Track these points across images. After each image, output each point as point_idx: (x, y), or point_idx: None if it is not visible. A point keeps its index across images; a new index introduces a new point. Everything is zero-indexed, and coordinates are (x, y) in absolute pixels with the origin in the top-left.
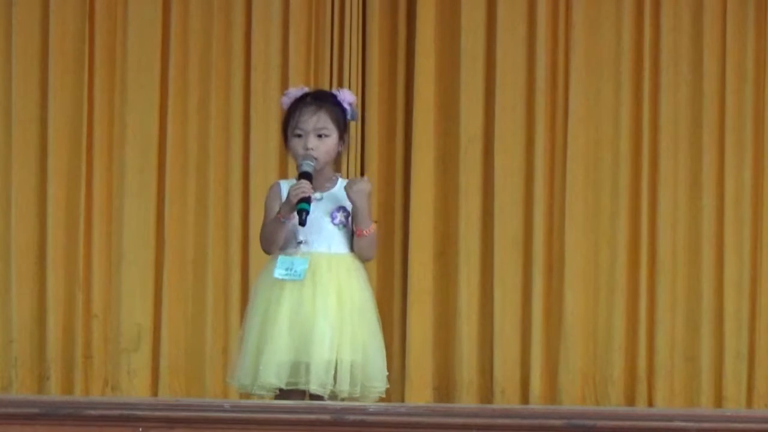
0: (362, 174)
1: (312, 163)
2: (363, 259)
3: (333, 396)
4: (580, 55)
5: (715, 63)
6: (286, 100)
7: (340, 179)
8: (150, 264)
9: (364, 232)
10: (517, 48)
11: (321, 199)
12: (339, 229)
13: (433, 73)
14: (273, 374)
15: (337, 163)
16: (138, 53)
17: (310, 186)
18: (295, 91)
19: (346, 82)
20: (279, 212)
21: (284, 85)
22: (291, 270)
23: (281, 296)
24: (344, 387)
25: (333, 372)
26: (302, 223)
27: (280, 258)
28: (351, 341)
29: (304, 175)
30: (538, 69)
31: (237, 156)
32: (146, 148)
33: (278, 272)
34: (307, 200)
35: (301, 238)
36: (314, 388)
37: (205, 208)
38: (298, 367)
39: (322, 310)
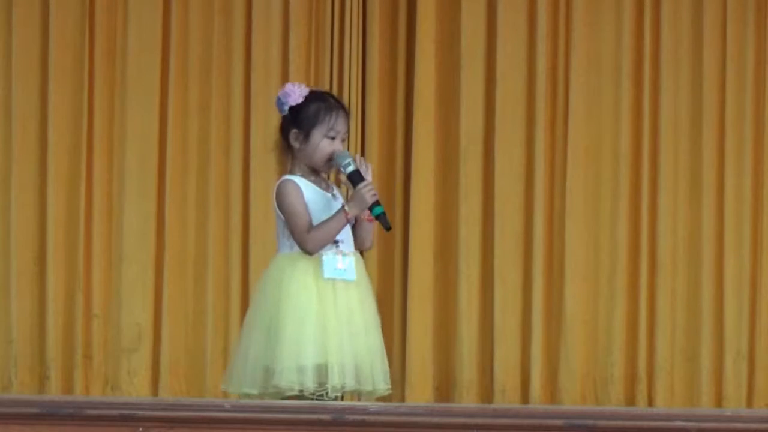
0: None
1: (352, 159)
2: (366, 249)
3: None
4: (580, 55)
5: (715, 63)
6: (294, 99)
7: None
8: (150, 264)
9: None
10: (517, 48)
11: (337, 198)
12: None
13: (433, 73)
14: (337, 375)
15: None
16: (138, 53)
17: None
18: (298, 88)
19: (346, 82)
20: (346, 212)
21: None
22: (341, 269)
23: (336, 297)
24: (379, 386)
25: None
26: (389, 228)
27: (327, 258)
28: (372, 342)
29: (357, 174)
30: (538, 69)
31: (237, 156)
32: (146, 148)
33: (329, 272)
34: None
35: (337, 237)
36: (369, 390)
37: (205, 208)
38: (362, 371)
39: (368, 313)
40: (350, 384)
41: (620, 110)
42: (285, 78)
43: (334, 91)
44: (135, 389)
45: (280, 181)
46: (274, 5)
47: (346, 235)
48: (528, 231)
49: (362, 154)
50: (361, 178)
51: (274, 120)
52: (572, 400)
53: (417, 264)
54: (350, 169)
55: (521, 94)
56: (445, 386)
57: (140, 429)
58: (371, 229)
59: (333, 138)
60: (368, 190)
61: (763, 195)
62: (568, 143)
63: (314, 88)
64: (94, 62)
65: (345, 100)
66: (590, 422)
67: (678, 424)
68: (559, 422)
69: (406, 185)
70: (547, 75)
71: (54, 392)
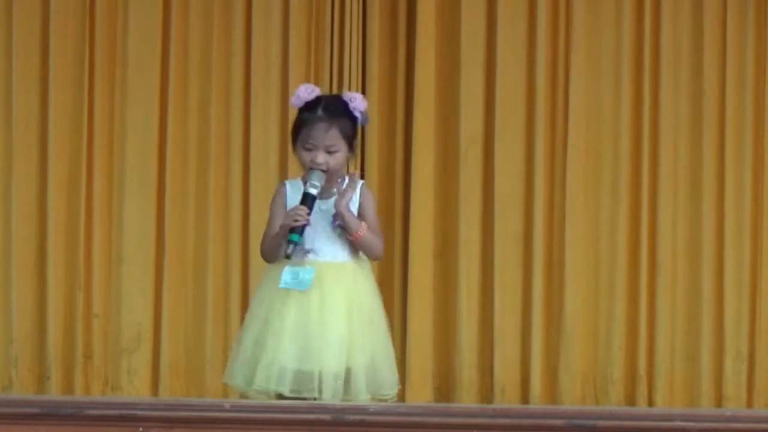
0: (362, 175)
1: (318, 184)
2: (371, 259)
3: None
4: (580, 55)
5: (715, 63)
6: (297, 102)
7: (346, 179)
8: (150, 264)
9: (356, 235)
10: (517, 48)
11: (326, 209)
12: (340, 234)
13: (433, 73)
14: (273, 380)
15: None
16: (138, 53)
17: (306, 212)
18: (306, 92)
19: (346, 82)
20: (280, 230)
21: (284, 85)
22: (297, 280)
23: (286, 304)
24: (359, 396)
25: (342, 381)
26: (287, 255)
27: (287, 268)
28: (361, 350)
29: (306, 198)
30: (538, 69)
31: (237, 156)
32: (146, 148)
33: (284, 282)
34: (301, 230)
35: (308, 246)
36: (326, 397)
37: (205, 208)
38: (304, 376)
39: (332, 320)
40: (284, 389)
41: (620, 110)
42: (285, 78)
43: (334, 92)
44: (135, 389)
45: None
46: (274, 5)
47: (320, 243)
48: (528, 231)
49: (362, 154)
50: (305, 203)
51: (274, 120)
52: (572, 400)
53: (417, 264)
54: (310, 190)
55: (521, 94)
56: (445, 386)
57: (140, 429)
58: (363, 246)
59: (309, 149)
60: (295, 214)
61: (763, 195)
62: (568, 143)
63: (322, 94)
64: (94, 62)
65: None
66: (590, 422)
67: (678, 424)
68: (559, 422)
69: (406, 185)
70: (547, 75)
71: (54, 392)
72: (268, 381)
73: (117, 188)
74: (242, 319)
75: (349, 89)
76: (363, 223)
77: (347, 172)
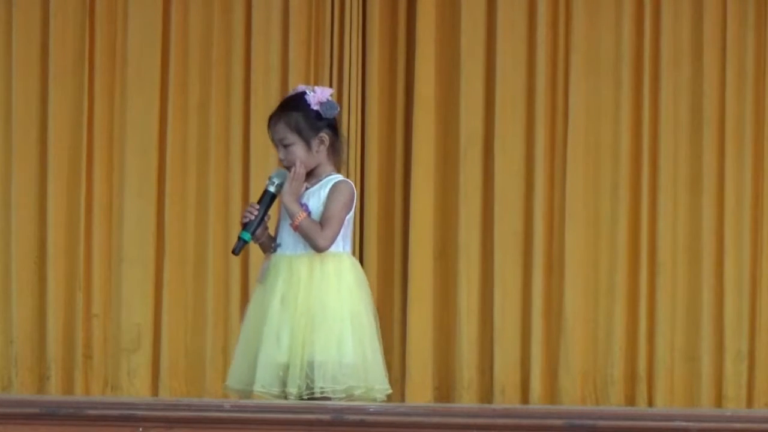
0: (362, 172)
1: (276, 181)
2: (314, 250)
3: (284, 397)
4: (580, 55)
5: (715, 63)
6: None
7: (326, 179)
8: (150, 264)
9: (293, 224)
10: (517, 48)
11: (303, 202)
12: None
13: (433, 73)
14: (235, 380)
15: (334, 162)
16: (138, 53)
17: (257, 209)
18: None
19: (346, 83)
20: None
21: (284, 85)
22: (260, 275)
23: (252, 299)
24: (292, 389)
25: (281, 374)
26: (234, 251)
27: (264, 263)
28: (298, 343)
29: (263, 194)
30: (538, 69)
31: (237, 156)
32: (146, 148)
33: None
34: (254, 227)
35: (278, 241)
36: (258, 390)
37: (205, 208)
38: (250, 369)
39: (269, 313)
40: (240, 386)
41: (620, 110)
42: (285, 78)
43: (335, 90)
44: (135, 389)
45: None
46: (274, 5)
47: (284, 237)
48: (528, 231)
49: (362, 153)
50: (261, 201)
51: None
52: (572, 400)
53: (417, 264)
54: (268, 187)
55: (521, 94)
56: (445, 386)
57: (140, 429)
58: (302, 235)
59: (276, 147)
60: (246, 210)
61: (763, 195)
62: (568, 143)
63: (290, 93)
64: (94, 62)
65: (345, 100)
66: (590, 422)
67: (678, 424)
68: (559, 422)
69: (406, 185)
70: (547, 75)
71: (54, 392)
72: (232, 382)
73: (117, 188)
74: (242, 319)
75: (349, 89)
76: (302, 213)
77: (336, 167)
